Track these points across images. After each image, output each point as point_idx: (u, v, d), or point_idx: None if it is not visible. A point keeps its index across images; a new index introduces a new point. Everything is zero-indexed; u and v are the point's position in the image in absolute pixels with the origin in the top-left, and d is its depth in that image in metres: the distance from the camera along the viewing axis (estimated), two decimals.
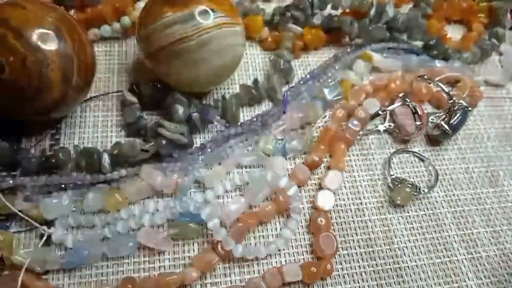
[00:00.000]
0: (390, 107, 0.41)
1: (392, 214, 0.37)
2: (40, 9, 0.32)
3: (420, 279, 0.34)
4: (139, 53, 0.40)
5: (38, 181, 0.33)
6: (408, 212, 0.37)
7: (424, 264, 0.35)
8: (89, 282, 0.31)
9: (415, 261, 0.35)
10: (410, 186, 0.37)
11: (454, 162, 0.41)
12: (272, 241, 0.33)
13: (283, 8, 0.45)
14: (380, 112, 0.40)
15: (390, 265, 0.34)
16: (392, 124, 0.41)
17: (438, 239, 0.36)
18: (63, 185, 0.34)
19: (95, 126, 0.38)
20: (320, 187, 0.37)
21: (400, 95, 0.42)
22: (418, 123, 0.40)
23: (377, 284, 0.33)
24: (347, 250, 0.34)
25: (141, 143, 0.35)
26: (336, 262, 0.34)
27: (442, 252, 0.35)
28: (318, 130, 0.40)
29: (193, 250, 0.33)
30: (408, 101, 0.40)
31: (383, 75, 0.44)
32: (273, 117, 0.39)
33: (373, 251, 0.35)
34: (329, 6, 0.46)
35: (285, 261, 0.33)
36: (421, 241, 0.36)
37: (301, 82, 0.42)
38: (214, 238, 0.32)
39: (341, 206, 0.37)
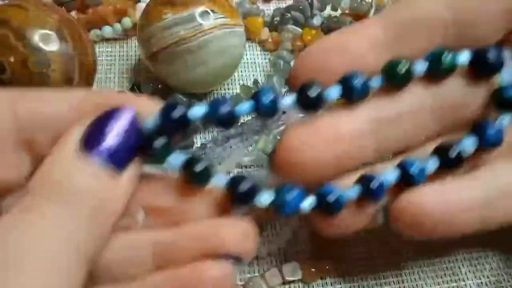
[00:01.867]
0: None
1: None
2: (41, 10, 0.32)
3: (419, 278, 0.34)
4: (140, 54, 0.40)
5: None
6: None
7: (424, 263, 0.35)
8: None
9: (414, 260, 0.35)
10: None
11: None
12: (272, 240, 0.34)
13: (283, 9, 0.46)
14: None
15: (389, 264, 0.34)
16: None
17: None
18: None
19: None
20: None
21: None
22: None
23: (376, 284, 0.33)
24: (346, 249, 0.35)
25: None
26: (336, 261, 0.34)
27: (441, 251, 0.35)
28: None
29: None
30: None
31: None
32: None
33: (372, 250, 0.35)
34: (328, 7, 0.46)
35: (285, 260, 0.34)
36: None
37: None
38: None
39: None
